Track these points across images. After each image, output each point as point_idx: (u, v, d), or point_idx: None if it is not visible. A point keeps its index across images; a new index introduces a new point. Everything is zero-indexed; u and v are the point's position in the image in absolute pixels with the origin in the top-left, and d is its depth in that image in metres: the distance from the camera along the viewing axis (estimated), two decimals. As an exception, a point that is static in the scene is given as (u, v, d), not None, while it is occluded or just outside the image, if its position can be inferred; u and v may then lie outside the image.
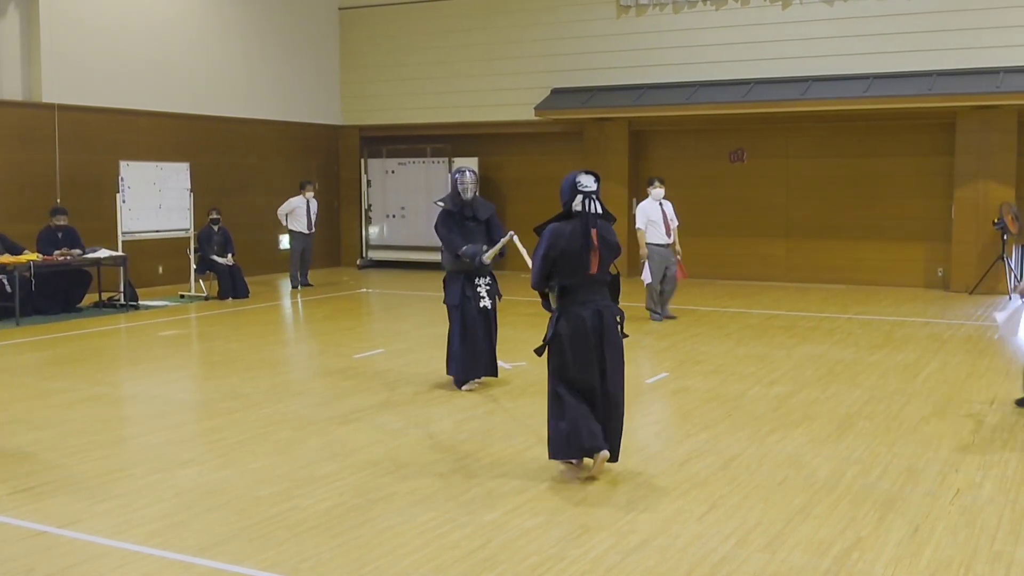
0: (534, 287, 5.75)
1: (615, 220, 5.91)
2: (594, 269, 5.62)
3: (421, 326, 11.49)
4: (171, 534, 4.80)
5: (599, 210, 5.72)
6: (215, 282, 14.27)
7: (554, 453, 5.72)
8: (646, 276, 11.55)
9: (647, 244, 11.54)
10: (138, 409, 7.72)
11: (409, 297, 14.58)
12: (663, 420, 7.12)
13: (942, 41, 14.58)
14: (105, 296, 13.14)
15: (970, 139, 14.59)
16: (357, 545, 4.65)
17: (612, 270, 5.82)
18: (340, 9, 19.06)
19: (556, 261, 5.61)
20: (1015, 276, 14.04)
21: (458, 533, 4.79)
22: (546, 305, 5.80)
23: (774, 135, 16.21)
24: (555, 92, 16.92)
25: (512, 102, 17.29)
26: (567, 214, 5.69)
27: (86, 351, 10.02)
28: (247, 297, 14.14)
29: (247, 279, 14.59)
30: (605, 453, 5.55)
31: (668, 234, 11.57)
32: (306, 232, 15.84)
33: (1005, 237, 14.05)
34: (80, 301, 12.86)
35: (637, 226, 11.72)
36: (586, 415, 5.54)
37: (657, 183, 11.85)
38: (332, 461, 6.03)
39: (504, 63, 17.53)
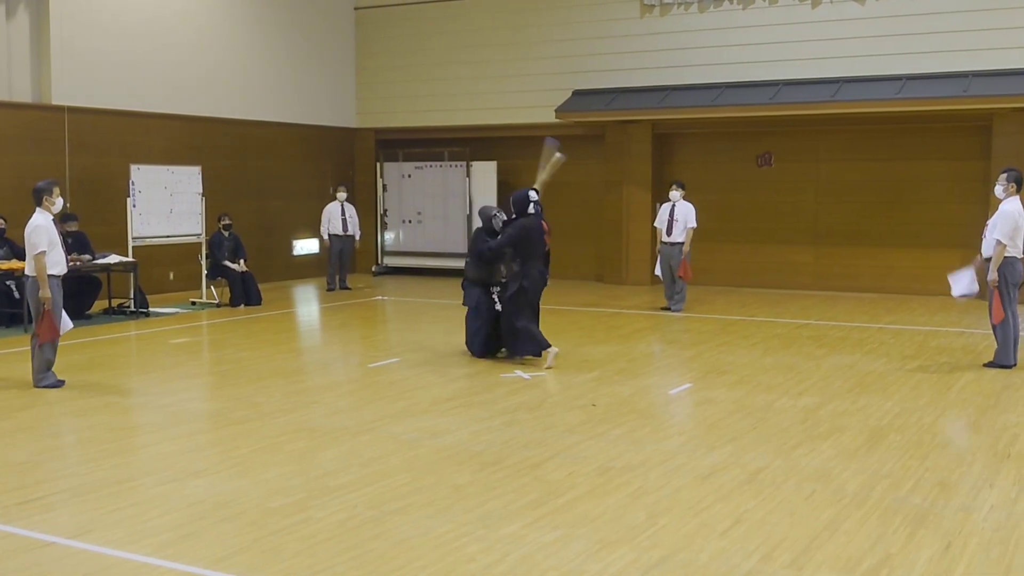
0: (489, 252, 9.47)
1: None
2: (548, 247, 9.52)
3: (438, 335, 11.39)
4: (183, 545, 4.77)
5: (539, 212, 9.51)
6: (227, 289, 14.22)
7: (521, 352, 9.45)
8: None
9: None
10: (149, 418, 7.68)
11: (426, 305, 14.51)
12: (687, 432, 7.02)
13: (978, 41, 14.31)
14: (115, 303, 13.11)
15: (1007, 142, 14.29)
16: (371, 558, 4.59)
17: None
18: (356, 9, 19.00)
19: (519, 242, 9.26)
20: None
21: (475, 546, 4.73)
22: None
23: (803, 138, 16.01)
24: (577, 94, 16.80)
25: (532, 104, 17.18)
26: (523, 215, 9.37)
27: (96, 359, 9.98)
28: (260, 304, 14.06)
29: (261, 285, 14.51)
30: (556, 349, 9.34)
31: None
32: (342, 234, 16.05)
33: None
34: (89, 308, 12.74)
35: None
36: (536, 326, 9.45)
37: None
38: (346, 472, 5.98)
39: (524, 64, 17.43)
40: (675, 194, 13.20)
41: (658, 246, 13.37)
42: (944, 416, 7.38)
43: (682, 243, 12.99)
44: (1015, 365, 9.13)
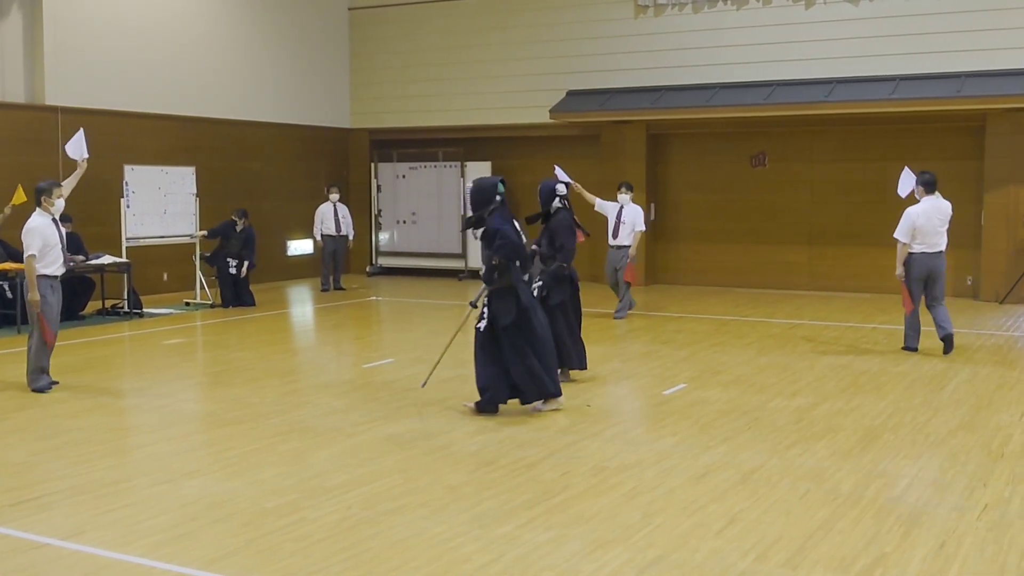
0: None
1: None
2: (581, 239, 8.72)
3: (432, 335, 11.38)
4: (176, 546, 4.76)
5: None
6: (218, 289, 14.14)
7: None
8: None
9: None
10: (142, 419, 7.67)
11: (420, 305, 14.49)
12: (681, 432, 7.01)
13: (971, 42, 14.33)
14: (108, 304, 13.07)
15: (1000, 143, 14.34)
16: (366, 559, 4.58)
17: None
18: (350, 9, 18.96)
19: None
20: None
21: (470, 547, 4.73)
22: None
23: (797, 138, 16.03)
24: (571, 94, 16.79)
25: (527, 104, 17.15)
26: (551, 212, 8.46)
27: (89, 360, 9.97)
28: (253, 305, 13.98)
29: (254, 286, 14.40)
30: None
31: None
32: (335, 234, 16.03)
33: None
34: (83, 309, 12.71)
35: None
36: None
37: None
38: (341, 472, 5.97)
39: (519, 64, 17.40)
40: (623, 196, 12.71)
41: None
42: (937, 416, 7.38)
43: (628, 246, 12.54)
44: (916, 350, 9.95)
